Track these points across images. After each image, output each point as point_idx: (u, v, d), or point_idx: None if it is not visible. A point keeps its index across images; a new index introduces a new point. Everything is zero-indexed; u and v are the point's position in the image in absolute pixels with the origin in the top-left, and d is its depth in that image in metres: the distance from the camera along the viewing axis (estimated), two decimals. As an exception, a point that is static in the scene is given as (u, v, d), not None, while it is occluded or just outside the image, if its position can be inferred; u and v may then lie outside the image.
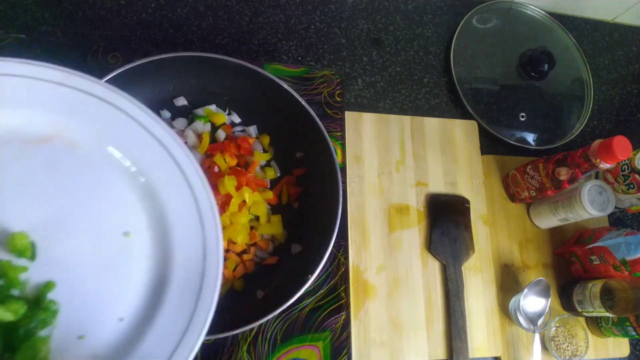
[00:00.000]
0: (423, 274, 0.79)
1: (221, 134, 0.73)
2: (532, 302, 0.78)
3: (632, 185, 0.82)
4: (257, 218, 0.70)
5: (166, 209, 0.50)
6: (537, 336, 0.77)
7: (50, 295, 0.44)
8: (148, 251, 0.50)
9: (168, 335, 0.46)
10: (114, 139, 0.51)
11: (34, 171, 0.48)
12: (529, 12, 1.03)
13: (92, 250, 0.48)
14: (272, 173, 0.73)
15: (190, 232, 0.50)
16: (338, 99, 0.82)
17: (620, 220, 0.95)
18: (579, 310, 0.80)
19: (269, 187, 0.73)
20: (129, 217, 0.50)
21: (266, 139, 0.74)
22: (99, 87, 0.50)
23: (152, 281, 0.48)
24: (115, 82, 0.62)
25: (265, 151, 0.74)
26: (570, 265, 0.85)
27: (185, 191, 0.51)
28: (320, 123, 0.69)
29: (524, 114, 0.95)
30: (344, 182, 0.79)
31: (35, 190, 0.47)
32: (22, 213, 0.46)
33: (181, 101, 0.73)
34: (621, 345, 0.84)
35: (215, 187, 0.66)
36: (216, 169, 0.69)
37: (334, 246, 0.65)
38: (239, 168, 0.70)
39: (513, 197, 0.87)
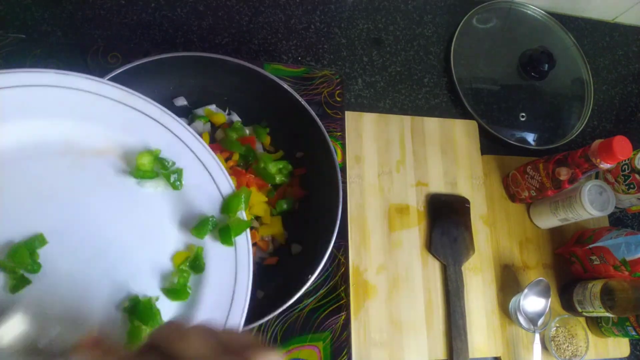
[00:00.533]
0: (423, 274, 0.79)
1: (221, 134, 0.73)
2: (532, 302, 0.77)
3: (632, 185, 0.82)
4: (257, 218, 0.70)
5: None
6: (537, 336, 0.77)
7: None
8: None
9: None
10: (163, 159, 0.53)
11: (86, 183, 0.50)
12: (529, 12, 1.03)
13: (130, 270, 0.49)
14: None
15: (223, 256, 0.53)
16: (338, 99, 0.82)
17: (620, 220, 0.95)
18: (579, 310, 0.80)
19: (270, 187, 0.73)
20: (169, 238, 0.52)
21: (267, 139, 0.74)
22: (153, 108, 0.54)
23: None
24: (115, 82, 0.62)
25: (266, 151, 0.74)
26: (571, 266, 0.85)
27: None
28: (320, 123, 0.69)
29: (524, 114, 0.95)
30: (344, 182, 0.79)
31: (84, 201, 0.49)
32: (68, 222, 0.47)
33: (181, 101, 0.73)
34: (621, 345, 0.84)
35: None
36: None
37: (334, 246, 0.65)
38: (239, 168, 0.70)
39: (513, 197, 0.87)
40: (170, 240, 0.52)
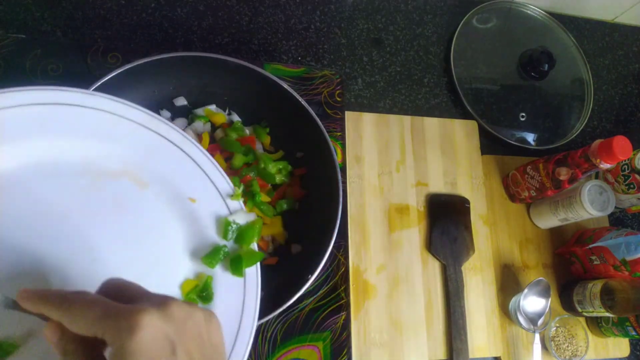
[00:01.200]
0: (423, 274, 0.79)
1: (221, 134, 0.73)
2: (532, 302, 0.77)
3: (632, 185, 0.82)
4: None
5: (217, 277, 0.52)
6: (537, 336, 0.77)
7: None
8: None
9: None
10: (182, 187, 0.53)
11: (99, 204, 0.49)
12: (529, 12, 1.03)
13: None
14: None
15: (231, 294, 0.52)
16: (338, 99, 0.82)
17: (620, 220, 0.95)
18: (579, 310, 0.80)
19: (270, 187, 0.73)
20: (179, 269, 0.51)
21: (267, 139, 0.74)
22: (175, 134, 0.53)
23: None
24: (115, 82, 0.62)
25: (266, 151, 0.74)
26: (571, 265, 0.85)
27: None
28: (320, 123, 0.69)
29: (524, 114, 0.95)
30: (344, 182, 0.79)
31: (98, 223, 0.48)
32: (82, 244, 0.47)
33: (181, 101, 0.73)
34: (621, 345, 0.84)
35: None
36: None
37: (334, 246, 0.64)
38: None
39: (513, 197, 0.87)
40: (181, 268, 0.51)
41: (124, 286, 0.35)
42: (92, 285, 0.44)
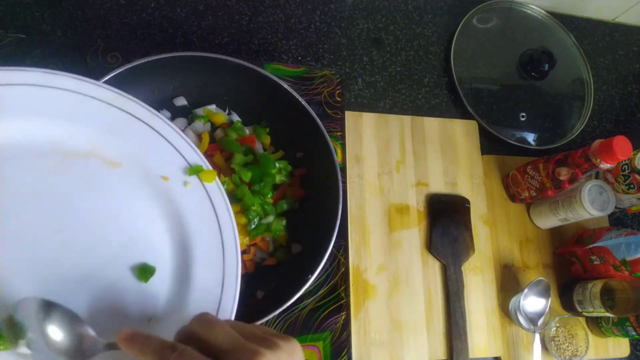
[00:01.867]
0: (423, 274, 0.79)
1: (221, 134, 0.73)
2: (532, 302, 0.77)
3: (632, 185, 0.82)
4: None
5: (191, 242, 0.51)
6: (537, 336, 0.77)
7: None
8: (167, 283, 0.50)
9: None
10: (153, 164, 0.52)
11: (68, 185, 0.48)
12: (529, 12, 1.03)
13: (113, 277, 0.47)
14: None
15: (212, 266, 0.51)
16: (338, 99, 0.82)
17: (620, 220, 0.95)
18: (579, 310, 0.80)
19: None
20: (155, 247, 0.50)
21: (267, 139, 0.74)
22: (143, 111, 0.52)
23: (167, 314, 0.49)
24: (115, 82, 0.62)
25: (266, 151, 0.74)
26: (571, 266, 0.85)
27: (213, 225, 0.52)
28: (320, 123, 0.69)
29: (524, 114, 0.95)
30: (344, 182, 0.79)
31: (67, 205, 0.47)
32: (51, 226, 0.46)
33: (181, 101, 0.73)
34: (621, 345, 0.84)
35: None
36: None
37: (334, 246, 0.64)
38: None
39: (513, 197, 0.87)
40: (156, 247, 0.50)
41: (211, 325, 0.37)
42: (58, 270, 0.43)
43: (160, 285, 0.49)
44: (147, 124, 0.52)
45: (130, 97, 0.52)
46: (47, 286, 0.43)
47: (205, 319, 0.37)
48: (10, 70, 0.47)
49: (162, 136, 0.53)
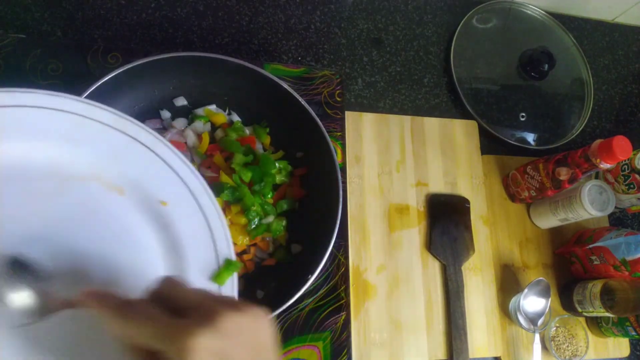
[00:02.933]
0: (423, 274, 0.79)
1: (221, 134, 0.73)
2: (532, 302, 0.77)
3: (632, 185, 0.82)
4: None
5: (187, 271, 0.50)
6: (537, 336, 0.77)
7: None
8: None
9: None
10: (153, 189, 0.51)
11: (67, 209, 0.47)
12: (529, 12, 1.03)
13: None
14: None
15: None
16: (338, 99, 0.82)
17: (620, 220, 0.95)
18: (579, 310, 0.80)
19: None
20: (150, 273, 0.49)
21: (267, 139, 0.74)
22: (146, 135, 0.51)
23: None
24: (116, 82, 0.62)
25: (266, 151, 0.74)
26: (571, 265, 0.85)
27: (211, 255, 0.51)
28: (320, 123, 0.69)
29: (524, 114, 0.95)
30: (344, 182, 0.79)
31: (64, 228, 0.46)
32: (47, 247, 0.44)
33: (181, 101, 0.73)
34: (621, 345, 0.84)
35: (215, 187, 0.66)
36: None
37: (334, 246, 0.64)
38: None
39: (513, 197, 0.87)
40: (154, 273, 0.48)
41: (176, 286, 0.37)
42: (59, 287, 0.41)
43: None
44: (148, 148, 0.51)
45: (132, 119, 0.51)
46: None
47: (170, 279, 0.37)
48: (11, 92, 0.46)
49: (164, 161, 0.52)
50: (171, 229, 0.50)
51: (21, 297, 0.39)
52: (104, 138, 0.50)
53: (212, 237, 0.51)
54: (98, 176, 0.49)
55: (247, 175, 0.67)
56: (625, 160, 0.83)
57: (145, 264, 0.49)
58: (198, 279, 0.49)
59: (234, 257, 0.51)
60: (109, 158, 0.50)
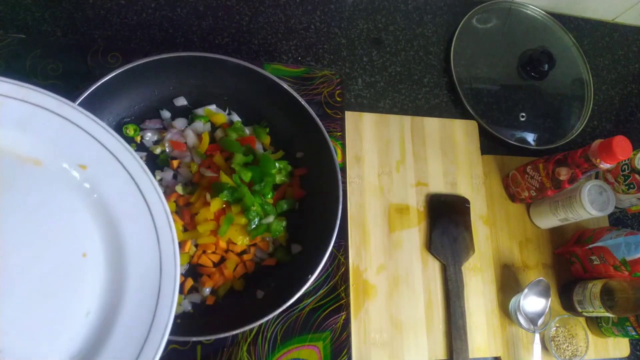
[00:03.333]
0: (423, 274, 0.79)
1: (221, 134, 0.73)
2: (532, 302, 0.77)
3: (632, 185, 0.82)
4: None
5: (121, 228, 0.49)
6: (537, 336, 0.77)
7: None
8: (102, 270, 0.49)
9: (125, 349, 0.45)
10: (69, 155, 0.50)
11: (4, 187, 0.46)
12: (529, 12, 1.03)
13: (42, 271, 0.46)
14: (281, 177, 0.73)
15: (146, 249, 0.49)
16: (338, 99, 0.82)
17: (620, 220, 0.95)
18: (579, 310, 0.80)
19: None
20: (83, 237, 0.48)
21: (267, 139, 0.74)
22: (50, 100, 0.49)
23: (105, 303, 0.47)
24: (115, 82, 0.62)
25: (266, 151, 0.74)
26: (571, 266, 0.85)
27: (142, 209, 0.50)
28: (320, 123, 0.69)
29: (524, 114, 0.95)
30: (344, 182, 0.79)
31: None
32: None
33: (181, 101, 0.73)
34: (621, 345, 0.84)
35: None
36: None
37: (334, 246, 0.65)
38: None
39: (513, 197, 0.87)
40: (80, 243, 0.48)
41: None
42: None
43: (94, 276, 0.48)
44: (55, 113, 0.50)
45: (32, 87, 0.49)
46: None
47: None
48: None
49: (75, 124, 0.50)
50: (97, 191, 0.49)
51: None
52: (6, 109, 0.48)
53: (141, 193, 0.50)
54: (8, 149, 0.48)
55: (247, 175, 0.67)
56: (625, 160, 0.83)
57: (75, 229, 0.48)
58: (133, 232, 0.48)
59: (167, 212, 0.50)
60: (16, 129, 0.48)
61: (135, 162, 0.51)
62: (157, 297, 0.48)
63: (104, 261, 0.49)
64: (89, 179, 0.50)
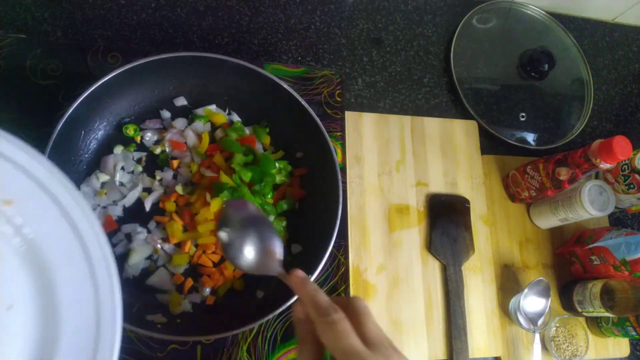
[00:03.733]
0: (423, 274, 0.79)
1: (221, 134, 0.73)
2: (532, 302, 0.77)
3: (632, 185, 0.82)
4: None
5: (52, 274, 0.42)
6: (537, 336, 0.77)
7: None
8: (31, 324, 0.42)
9: None
10: None
11: None
12: (529, 12, 1.03)
13: None
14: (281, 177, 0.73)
15: (81, 301, 0.42)
16: (338, 99, 0.82)
17: (620, 220, 0.95)
18: (579, 310, 0.80)
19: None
20: (8, 286, 0.41)
21: (267, 139, 0.74)
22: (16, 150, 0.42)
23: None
24: (115, 82, 0.63)
25: (266, 151, 0.74)
26: (571, 265, 0.85)
27: (76, 252, 0.43)
28: (320, 123, 0.69)
29: (524, 114, 0.95)
30: (344, 182, 0.79)
31: None
32: None
33: (181, 101, 0.73)
34: (621, 345, 0.84)
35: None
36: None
37: (334, 246, 0.65)
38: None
39: (513, 197, 0.87)
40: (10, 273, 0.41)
41: (363, 316, 0.40)
42: None
43: (22, 331, 0.41)
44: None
45: (5, 134, 0.41)
46: None
47: (359, 306, 0.40)
48: None
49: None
50: (23, 231, 0.42)
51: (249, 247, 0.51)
52: None
53: (75, 232, 0.43)
54: None
55: (247, 175, 0.67)
56: (625, 160, 0.83)
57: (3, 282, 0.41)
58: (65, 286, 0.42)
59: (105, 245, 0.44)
60: None
61: (67, 196, 0.43)
62: (95, 351, 0.42)
63: (34, 314, 0.42)
64: (14, 217, 0.42)
